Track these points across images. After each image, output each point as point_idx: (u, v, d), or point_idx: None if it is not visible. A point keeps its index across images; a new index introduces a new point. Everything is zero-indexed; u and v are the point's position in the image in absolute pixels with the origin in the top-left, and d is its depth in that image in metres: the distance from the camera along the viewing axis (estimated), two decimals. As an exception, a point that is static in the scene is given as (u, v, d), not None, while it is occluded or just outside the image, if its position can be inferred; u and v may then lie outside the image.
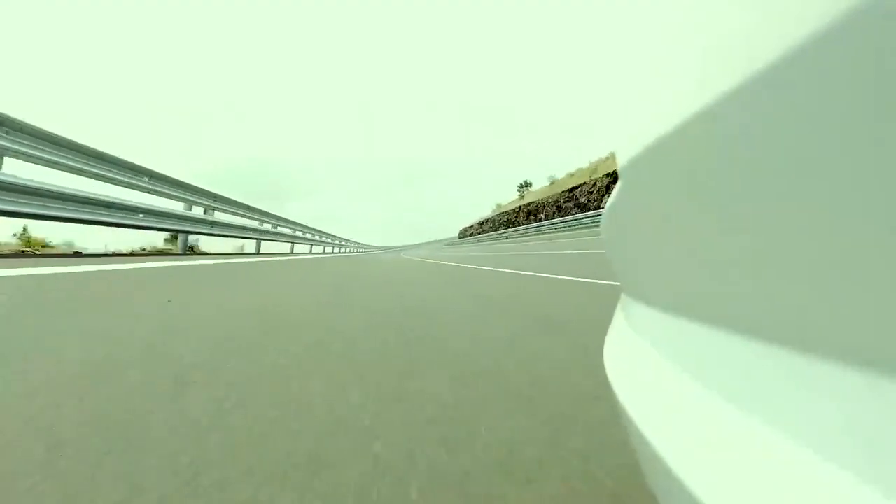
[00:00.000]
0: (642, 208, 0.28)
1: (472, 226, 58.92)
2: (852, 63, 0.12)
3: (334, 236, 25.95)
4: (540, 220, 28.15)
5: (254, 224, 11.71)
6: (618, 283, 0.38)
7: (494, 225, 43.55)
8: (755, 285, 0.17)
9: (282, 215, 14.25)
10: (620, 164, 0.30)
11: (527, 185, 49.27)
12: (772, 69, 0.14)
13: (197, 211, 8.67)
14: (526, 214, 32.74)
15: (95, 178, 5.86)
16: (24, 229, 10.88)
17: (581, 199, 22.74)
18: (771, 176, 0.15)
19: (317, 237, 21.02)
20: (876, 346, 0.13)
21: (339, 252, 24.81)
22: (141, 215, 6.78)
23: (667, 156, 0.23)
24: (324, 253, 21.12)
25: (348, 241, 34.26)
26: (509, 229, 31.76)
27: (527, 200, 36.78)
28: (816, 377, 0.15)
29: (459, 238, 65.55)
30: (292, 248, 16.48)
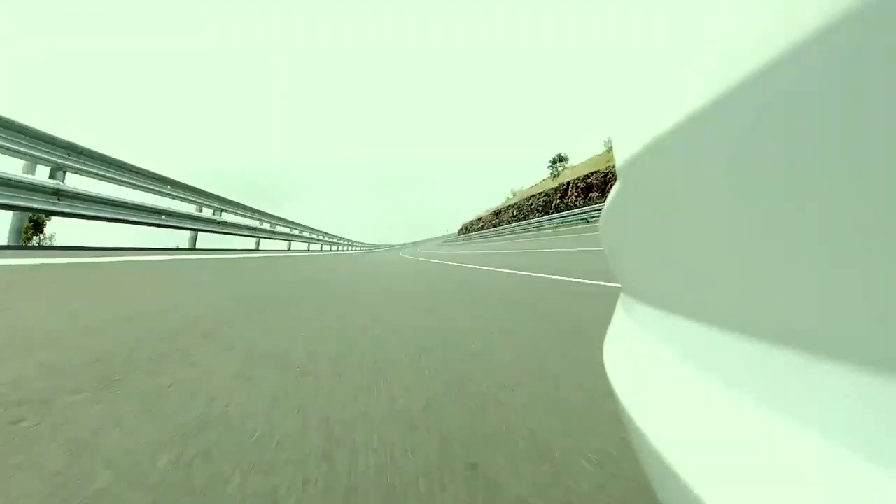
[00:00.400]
0: (641, 208, 0.28)
1: (479, 218, 49.11)
2: (853, 62, 0.12)
3: (317, 230, 18.07)
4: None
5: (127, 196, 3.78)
6: None
7: (520, 212, 33.70)
8: (755, 284, 0.17)
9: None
10: (619, 163, 0.30)
11: (561, 159, 39.33)
12: (772, 68, 0.14)
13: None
14: (583, 192, 23.94)
15: None
16: None
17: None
18: (770, 175, 0.15)
19: (280, 227, 12.93)
20: (878, 344, 0.13)
21: (329, 251, 17.71)
22: None
23: (665, 155, 0.22)
24: (286, 252, 13.16)
25: (342, 238, 26.35)
26: (552, 215, 22.05)
27: (565, 178, 27.98)
28: (818, 375, 0.15)
29: (460, 234, 57.29)
30: (194, 240, 8.33)
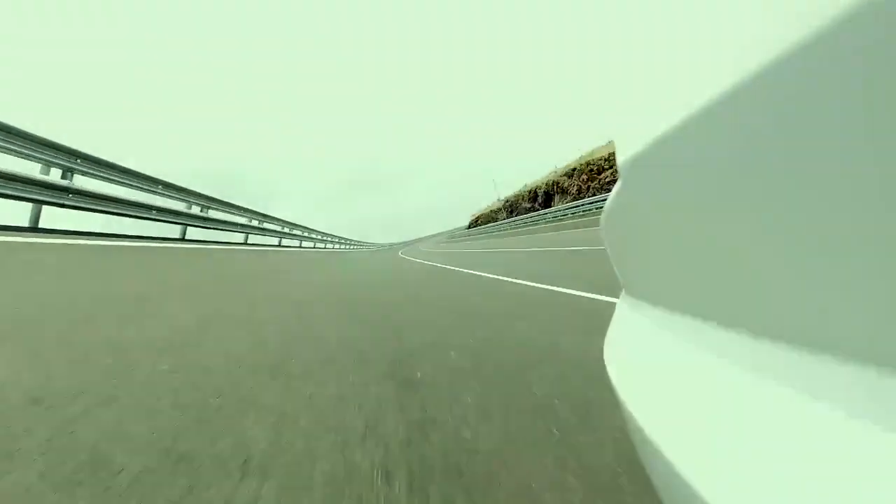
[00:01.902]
0: (642, 207, 0.28)
1: (507, 201, 32.18)
2: (854, 62, 0.12)
3: (290, 223, 14.23)
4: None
5: None
6: None
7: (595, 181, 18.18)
8: (756, 282, 0.18)
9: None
10: (620, 162, 0.29)
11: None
12: (773, 67, 0.14)
13: None
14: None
15: None
16: None
17: None
18: (771, 174, 0.15)
19: (217, 213, 8.98)
20: (877, 344, 0.13)
21: (311, 247, 13.97)
22: None
23: (666, 154, 0.23)
24: (238, 245, 9.34)
25: (330, 235, 22.55)
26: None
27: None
28: (817, 374, 0.15)
29: (469, 228, 52.72)
30: (35, 217, 4.21)
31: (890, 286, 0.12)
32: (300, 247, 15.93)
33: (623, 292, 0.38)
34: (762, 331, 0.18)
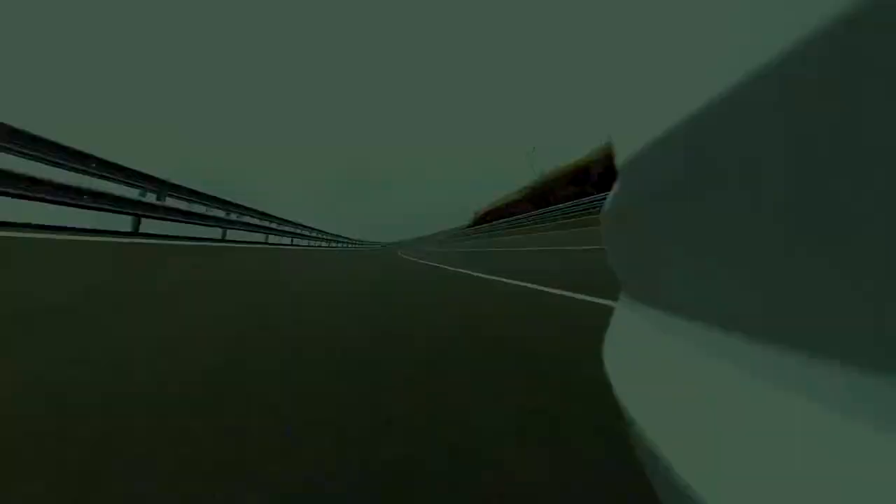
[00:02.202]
0: (640, 207, 0.28)
1: (532, 188, 26.05)
2: (853, 62, 0.12)
3: (240, 206, 9.08)
4: None
5: None
6: None
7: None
8: (754, 283, 0.18)
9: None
10: (619, 162, 0.29)
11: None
12: (773, 67, 0.14)
13: None
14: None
15: None
16: None
17: None
18: (770, 174, 0.16)
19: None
20: (876, 347, 0.13)
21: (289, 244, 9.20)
22: None
23: (663, 155, 0.22)
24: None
25: (315, 230, 17.27)
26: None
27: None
28: (817, 377, 0.15)
29: (471, 226, 47.21)
30: None
31: (890, 290, 0.12)
32: (267, 241, 10.84)
33: (622, 293, 0.38)
34: (761, 333, 0.18)
